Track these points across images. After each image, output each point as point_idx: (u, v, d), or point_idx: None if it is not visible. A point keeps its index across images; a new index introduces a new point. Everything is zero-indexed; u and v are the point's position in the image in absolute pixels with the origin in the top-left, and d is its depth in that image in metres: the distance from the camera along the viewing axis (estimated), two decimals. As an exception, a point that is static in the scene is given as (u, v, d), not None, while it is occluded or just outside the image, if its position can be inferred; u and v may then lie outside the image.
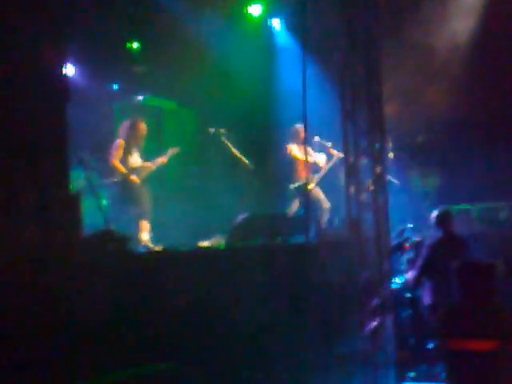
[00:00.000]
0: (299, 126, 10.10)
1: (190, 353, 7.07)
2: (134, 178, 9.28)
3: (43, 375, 5.97)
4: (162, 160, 9.46)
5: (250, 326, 7.32)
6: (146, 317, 7.01)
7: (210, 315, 7.33)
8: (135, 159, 9.40)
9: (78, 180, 9.35)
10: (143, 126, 9.48)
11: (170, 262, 7.56)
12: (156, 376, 6.76)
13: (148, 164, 9.42)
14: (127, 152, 9.30)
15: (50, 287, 6.30)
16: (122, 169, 9.25)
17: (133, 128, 9.39)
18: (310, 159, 10.00)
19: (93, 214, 9.04)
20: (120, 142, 9.30)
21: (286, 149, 10.32)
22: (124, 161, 9.30)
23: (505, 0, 11.40)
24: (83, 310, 6.60)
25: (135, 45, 11.85)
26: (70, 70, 10.80)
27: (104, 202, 10.19)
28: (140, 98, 11.31)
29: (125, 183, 9.29)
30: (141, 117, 9.73)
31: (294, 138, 10.30)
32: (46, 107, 6.55)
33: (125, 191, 9.29)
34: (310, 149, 10.08)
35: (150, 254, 7.68)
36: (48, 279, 6.31)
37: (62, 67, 6.75)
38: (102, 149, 11.03)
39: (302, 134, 10.02)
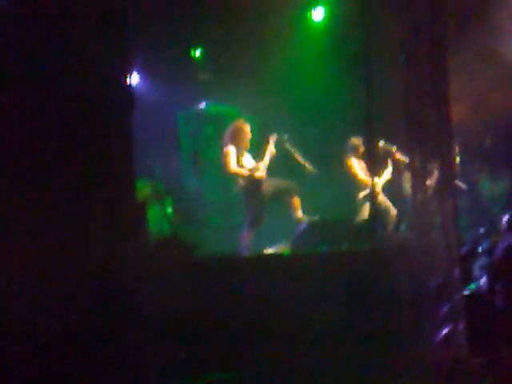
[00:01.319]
0: (356, 140, 10.01)
1: (256, 361, 7.04)
2: (258, 174, 9.20)
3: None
4: (270, 150, 9.35)
5: (317, 333, 7.26)
6: (212, 324, 7.03)
7: (274, 323, 7.30)
8: (248, 160, 9.35)
9: (144, 188, 9.43)
10: (245, 128, 9.40)
11: (235, 269, 7.56)
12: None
13: (262, 161, 9.34)
14: (238, 156, 9.23)
15: (116, 295, 6.35)
16: (243, 171, 9.18)
17: (234, 132, 9.34)
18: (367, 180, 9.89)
19: (159, 222, 9.12)
20: (226, 150, 9.22)
21: (347, 163, 10.21)
22: (239, 164, 9.24)
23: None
24: (149, 317, 6.65)
25: (198, 52, 11.86)
26: (134, 78, 10.91)
27: (169, 209, 10.28)
28: (203, 105, 11.33)
29: (253, 183, 9.20)
30: (242, 119, 9.66)
31: (353, 151, 10.18)
32: (113, 116, 6.62)
33: (256, 188, 9.20)
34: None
35: (217, 260, 7.64)
36: (114, 287, 6.37)
37: (128, 76, 6.79)
38: (167, 157, 11.16)
39: (361, 148, 9.96)
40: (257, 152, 9.59)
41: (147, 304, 6.72)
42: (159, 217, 9.12)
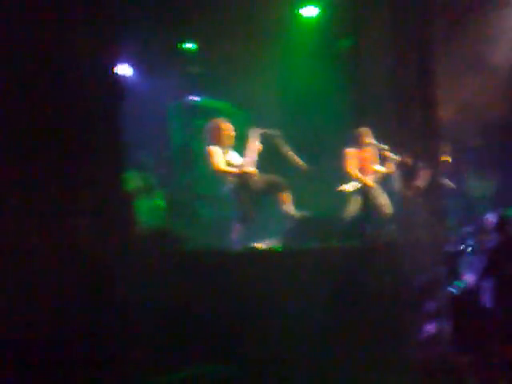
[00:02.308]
0: (362, 129, 10.01)
1: (242, 355, 7.09)
2: (248, 170, 9.23)
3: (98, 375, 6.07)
4: (256, 146, 9.29)
5: (304, 329, 7.31)
6: (200, 317, 7.07)
7: (262, 317, 7.35)
8: (234, 157, 9.28)
9: (134, 180, 9.44)
10: (225, 126, 9.27)
11: (225, 263, 7.59)
12: (207, 378, 6.79)
13: (248, 157, 9.36)
14: (223, 154, 9.18)
15: (104, 286, 6.36)
16: (231, 169, 9.17)
17: (214, 131, 9.28)
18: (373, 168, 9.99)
19: (149, 214, 9.14)
20: (209, 149, 9.15)
21: (344, 154, 10.21)
22: (226, 162, 9.16)
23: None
24: (138, 308, 6.67)
25: (191, 45, 11.89)
26: (126, 70, 10.91)
27: (160, 202, 10.30)
28: (196, 98, 11.35)
29: (242, 178, 9.14)
30: (217, 117, 9.61)
31: (356, 141, 10.14)
32: (102, 107, 6.61)
33: (246, 184, 9.14)
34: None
35: (206, 253, 7.67)
36: (102, 278, 6.38)
37: (116, 67, 6.79)
38: (156, 149, 11.17)
39: (366, 138, 9.94)
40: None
41: (135, 296, 6.75)
42: (149, 209, 9.12)
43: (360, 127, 10.05)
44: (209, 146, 9.11)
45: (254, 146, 9.17)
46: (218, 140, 9.11)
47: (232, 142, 9.24)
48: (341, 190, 9.97)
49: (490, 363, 7.24)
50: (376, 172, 10.10)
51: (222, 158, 9.03)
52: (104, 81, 6.61)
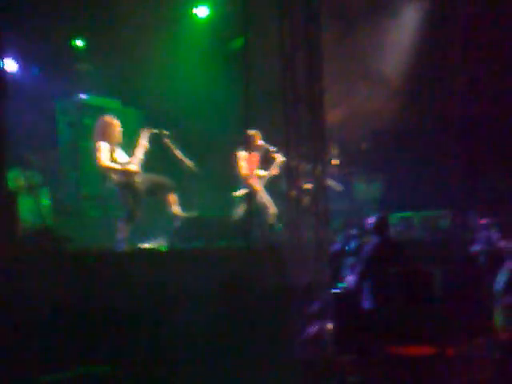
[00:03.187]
0: (253, 132, 10.04)
1: (127, 356, 7.02)
2: (131, 168, 9.08)
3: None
4: (143, 145, 9.25)
5: (188, 330, 7.29)
6: (81, 318, 6.96)
7: (147, 318, 7.30)
8: (121, 155, 9.13)
9: (17, 179, 9.22)
10: (114, 123, 9.15)
11: (110, 263, 7.51)
12: (91, 378, 6.70)
13: (134, 156, 9.21)
14: (110, 151, 9.00)
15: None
16: (115, 166, 8.99)
17: (103, 127, 9.14)
18: (257, 173, 10.02)
19: (33, 214, 8.94)
20: (98, 144, 9.05)
21: (235, 156, 10.23)
22: (112, 159, 8.99)
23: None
24: (17, 307, 6.54)
25: (80, 42, 11.71)
26: (11, 66, 10.64)
27: (45, 201, 10.09)
28: (83, 96, 11.16)
29: (124, 178, 9.00)
30: (110, 115, 9.48)
31: (246, 144, 10.16)
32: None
33: (130, 183, 9.01)
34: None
35: (89, 253, 7.56)
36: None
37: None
38: (42, 147, 10.93)
39: (256, 141, 9.99)
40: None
41: (16, 295, 6.61)
42: (33, 208, 8.91)
43: (250, 129, 10.09)
44: (97, 141, 9.03)
45: (142, 145, 9.12)
46: (106, 136, 9.02)
47: (119, 139, 9.16)
48: (234, 195, 10.02)
49: (371, 361, 7.40)
50: (261, 175, 10.15)
51: (108, 154, 8.94)
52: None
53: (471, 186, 12.09)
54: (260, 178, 10.10)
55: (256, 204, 9.80)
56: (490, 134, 12.19)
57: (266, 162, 10.27)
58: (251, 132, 10.07)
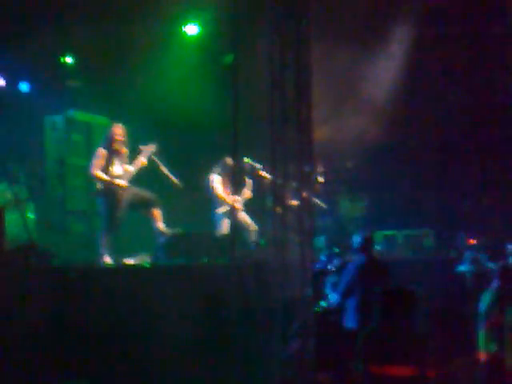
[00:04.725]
0: (230, 160, 10.08)
1: (108, 370, 7.04)
2: (119, 182, 9.09)
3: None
4: (141, 162, 9.27)
5: (169, 345, 7.31)
6: (65, 333, 6.97)
7: (132, 333, 7.32)
8: (116, 167, 9.16)
9: (3, 193, 9.24)
10: (120, 131, 9.22)
11: (93, 278, 7.53)
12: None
13: (128, 168, 9.23)
14: (108, 160, 9.08)
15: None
16: (104, 177, 9.02)
17: (108, 135, 9.21)
18: (230, 199, 10.07)
19: (19, 228, 8.94)
20: (100, 150, 9.09)
21: (209, 179, 10.27)
22: (105, 169, 9.05)
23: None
24: (3, 323, 6.54)
25: (69, 59, 11.76)
26: (-1, 81, 10.71)
27: (30, 216, 10.10)
28: (72, 112, 11.20)
29: (109, 190, 9.04)
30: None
31: (222, 169, 10.24)
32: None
33: (111, 197, 9.03)
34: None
35: (73, 269, 7.57)
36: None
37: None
38: (30, 162, 10.96)
39: (232, 168, 10.03)
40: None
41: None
42: (19, 223, 8.91)
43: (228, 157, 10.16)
44: (99, 147, 9.13)
45: (139, 161, 9.19)
46: (108, 144, 9.10)
47: (122, 150, 9.20)
48: (215, 212, 10.06)
49: (352, 381, 7.41)
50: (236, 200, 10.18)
51: (102, 162, 8.99)
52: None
53: (454, 204, 12.21)
54: (236, 201, 10.14)
55: (237, 221, 9.86)
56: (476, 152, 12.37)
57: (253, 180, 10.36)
58: (228, 160, 10.10)
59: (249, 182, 10.29)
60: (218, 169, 10.26)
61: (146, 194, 9.27)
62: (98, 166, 8.99)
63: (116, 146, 9.13)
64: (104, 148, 9.09)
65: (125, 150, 9.26)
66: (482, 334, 7.38)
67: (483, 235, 11.26)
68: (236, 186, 10.09)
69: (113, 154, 9.10)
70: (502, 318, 7.23)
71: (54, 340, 6.94)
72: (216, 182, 10.19)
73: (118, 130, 9.22)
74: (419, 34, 11.96)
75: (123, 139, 9.22)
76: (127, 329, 7.33)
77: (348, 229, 11.30)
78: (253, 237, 9.96)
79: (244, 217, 10.18)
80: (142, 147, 9.29)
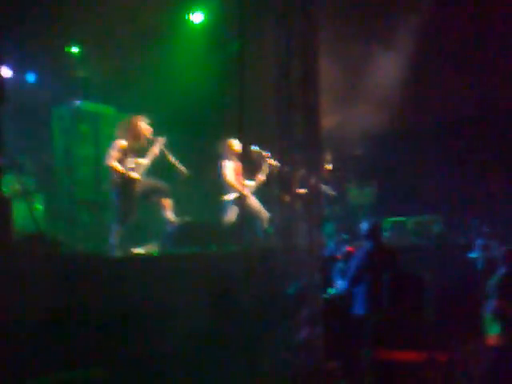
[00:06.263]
0: (233, 141, 10.04)
1: (117, 360, 7.04)
2: (133, 175, 9.12)
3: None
4: (154, 152, 9.27)
5: (181, 334, 7.31)
6: (76, 322, 6.98)
7: (141, 322, 7.32)
8: (130, 160, 9.18)
9: (11, 183, 9.25)
10: (141, 124, 9.24)
11: (103, 267, 7.53)
12: (85, 382, 6.71)
13: (142, 161, 9.24)
14: (125, 152, 9.10)
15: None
16: (119, 168, 9.05)
17: (127, 127, 9.22)
18: (240, 185, 10.00)
19: (27, 219, 8.95)
20: (117, 142, 9.10)
21: (221, 166, 10.16)
22: (122, 161, 9.07)
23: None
24: (13, 313, 6.55)
25: (75, 49, 11.75)
26: (6, 72, 10.67)
27: (39, 206, 10.12)
28: (79, 102, 11.20)
29: (124, 182, 9.07)
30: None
31: (228, 153, 10.17)
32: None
33: (126, 189, 9.07)
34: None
35: (82, 258, 7.59)
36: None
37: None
38: (38, 152, 10.98)
39: (237, 150, 9.96)
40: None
41: (8, 299, 6.63)
42: (27, 213, 8.92)
43: (230, 138, 10.08)
44: (117, 137, 9.14)
45: (153, 152, 9.19)
46: (127, 136, 9.11)
47: (141, 142, 9.22)
48: (223, 199, 10.01)
49: (361, 367, 7.41)
50: (248, 185, 10.13)
51: (118, 154, 9.00)
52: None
53: (467, 190, 12.16)
54: (247, 187, 10.08)
55: (246, 209, 9.82)
56: (488, 137, 12.30)
57: (258, 168, 10.28)
58: (230, 141, 10.04)
59: (265, 166, 10.18)
60: (225, 153, 10.18)
61: (156, 183, 9.29)
62: (114, 158, 9.00)
63: (138, 139, 9.14)
64: (124, 140, 9.07)
65: (144, 144, 9.26)
66: (487, 319, 7.41)
67: (495, 222, 11.23)
68: (247, 172, 10.01)
69: (131, 145, 9.10)
70: (506, 303, 7.25)
71: (62, 329, 6.94)
72: (227, 167, 10.11)
73: (143, 125, 9.21)
74: (428, 21, 11.88)
75: (148, 134, 9.22)
76: (136, 317, 7.32)
77: (356, 216, 11.29)
78: (264, 224, 9.90)
79: (255, 203, 10.12)
80: (153, 138, 9.28)
